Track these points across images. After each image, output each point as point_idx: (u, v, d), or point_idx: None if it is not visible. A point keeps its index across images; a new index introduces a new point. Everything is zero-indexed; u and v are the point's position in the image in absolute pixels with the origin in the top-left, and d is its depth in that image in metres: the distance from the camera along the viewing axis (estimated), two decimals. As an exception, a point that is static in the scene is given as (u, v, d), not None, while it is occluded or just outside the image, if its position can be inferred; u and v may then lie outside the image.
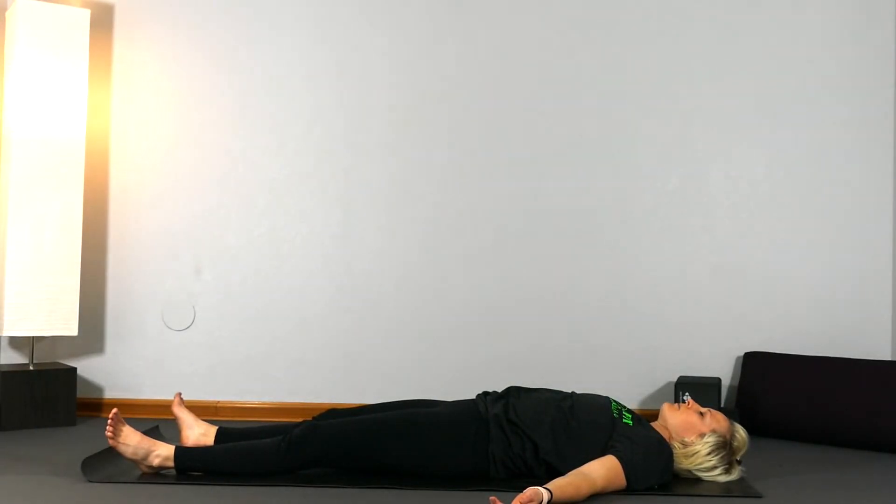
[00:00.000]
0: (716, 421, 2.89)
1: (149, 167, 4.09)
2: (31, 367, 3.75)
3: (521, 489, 2.51)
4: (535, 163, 4.09)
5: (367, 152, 4.10)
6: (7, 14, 3.91)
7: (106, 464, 2.92)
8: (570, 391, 3.08)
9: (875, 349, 4.00)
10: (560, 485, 2.55)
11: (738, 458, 2.93)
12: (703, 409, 2.93)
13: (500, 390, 3.47)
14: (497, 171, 4.09)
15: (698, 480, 2.89)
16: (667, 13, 4.10)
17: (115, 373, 4.06)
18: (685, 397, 3.65)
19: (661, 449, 2.82)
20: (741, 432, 2.93)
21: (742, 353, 4.03)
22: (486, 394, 3.03)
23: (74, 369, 3.79)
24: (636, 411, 3.49)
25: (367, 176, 4.10)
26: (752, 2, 4.09)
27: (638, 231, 4.08)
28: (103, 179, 4.09)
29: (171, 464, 2.82)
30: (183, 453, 2.83)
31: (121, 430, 2.81)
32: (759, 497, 2.77)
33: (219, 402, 4.04)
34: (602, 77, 4.10)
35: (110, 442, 2.81)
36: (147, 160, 4.09)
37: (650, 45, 4.10)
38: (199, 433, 3.03)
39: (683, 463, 2.88)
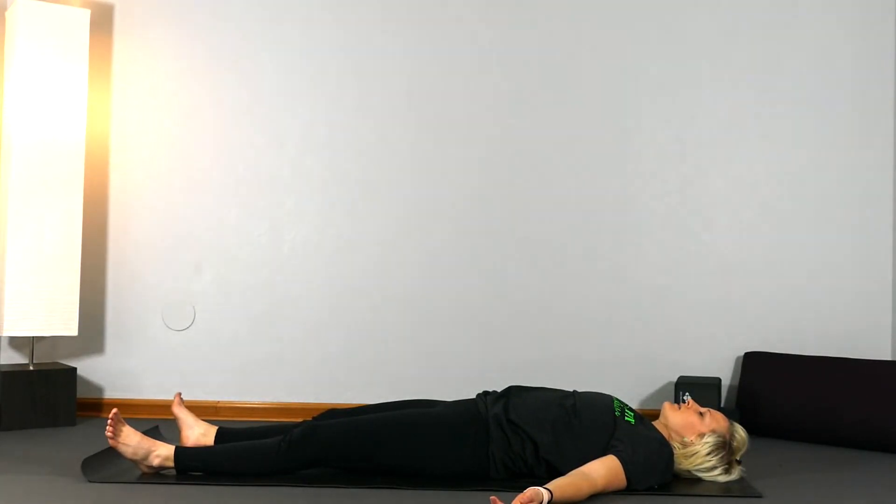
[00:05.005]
0: (715, 421, 2.89)
1: (149, 167, 4.09)
2: (31, 367, 3.75)
3: (521, 489, 2.50)
4: (535, 163, 4.09)
5: (367, 153, 4.10)
6: (7, 14, 3.90)
7: (106, 464, 2.91)
8: (571, 390, 3.08)
9: (875, 349, 4.00)
10: (560, 485, 2.55)
11: (738, 458, 2.93)
12: (703, 409, 2.92)
13: (500, 390, 3.47)
14: (497, 172, 4.09)
15: (698, 480, 2.89)
16: (667, 13, 4.10)
17: (115, 373, 4.05)
18: (685, 397, 3.65)
19: (662, 449, 2.82)
20: (741, 432, 2.92)
21: (742, 353, 4.03)
22: (486, 393, 3.03)
23: (74, 369, 3.79)
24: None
25: (367, 176, 4.10)
26: (753, 2, 4.09)
27: (638, 231, 4.08)
28: (103, 179, 4.09)
29: (171, 464, 2.82)
30: (183, 453, 2.83)
31: (121, 430, 2.81)
32: (759, 497, 2.77)
33: (219, 402, 4.04)
34: (602, 77, 4.10)
35: (110, 442, 2.81)
36: (147, 160, 4.09)
37: (651, 45, 4.10)
38: (199, 433, 3.02)
39: (683, 463, 2.87)
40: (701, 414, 2.91)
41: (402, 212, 4.09)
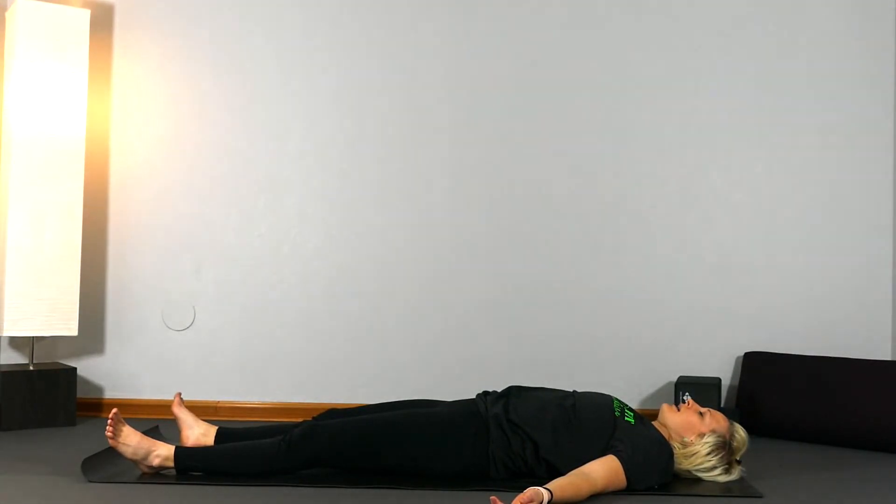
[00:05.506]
0: (715, 421, 2.89)
1: (149, 167, 4.09)
2: (31, 367, 3.75)
3: (521, 489, 2.51)
4: (535, 162, 4.09)
5: (366, 152, 4.10)
6: (7, 14, 3.91)
7: (106, 464, 2.92)
8: (571, 390, 3.08)
9: (875, 349, 4.00)
10: (560, 485, 2.55)
11: (738, 458, 2.93)
12: (703, 409, 2.93)
13: (500, 390, 3.47)
14: (497, 171, 4.09)
15: (698, 480, 2.89)
16: (666, 13, 4.10)
17: (115, 373, 4.06)
18: (685, 397, 3.65)
19: (662, 449, 2.82)
20: (741, 432, 2.92)
21: (742, 353, 4.03)
22: (486, 393, 3.03)
23: (74, 369, 3.79)
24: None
25: (366, 176, 4.10)
26: (753, 2, 4.09)
27: (638, 231, 4.08)
28: (103, 179, 4.09)
29: (171, 464, 2.82)
30: (183, 453, 2.83)
31: (121, 430, 2.81)
32: (759, 497, 2.77)
33: (219, 402, 4.04)
34: (602, 76, 4.10)
35: (110, 442, 2.81)
36: (147, 160, 4.09)
37: (650, 45, 4.10)
38: (199, 433, 3.03)
39: (683, 463, 2.87)
40: (701, 414, 2.91)
41: (403, 212, 4.09)
